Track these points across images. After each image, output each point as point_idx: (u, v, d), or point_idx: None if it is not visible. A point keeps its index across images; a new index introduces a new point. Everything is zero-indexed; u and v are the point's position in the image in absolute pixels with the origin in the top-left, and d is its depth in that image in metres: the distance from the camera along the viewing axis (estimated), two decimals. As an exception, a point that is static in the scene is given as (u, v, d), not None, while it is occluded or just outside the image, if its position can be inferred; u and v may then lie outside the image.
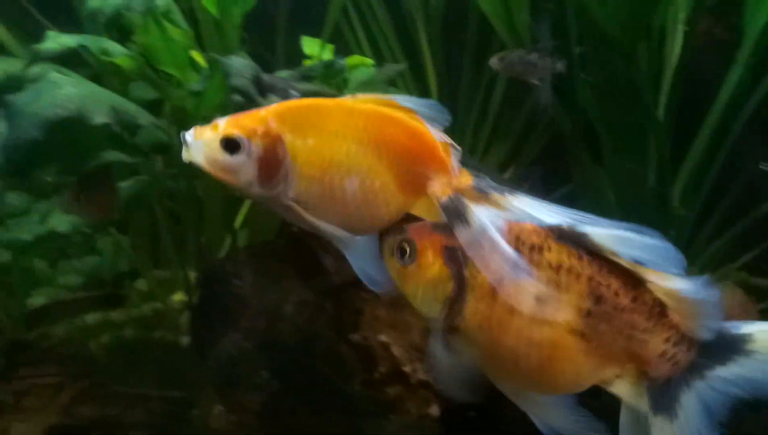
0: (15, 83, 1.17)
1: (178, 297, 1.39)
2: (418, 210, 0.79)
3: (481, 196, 0.74)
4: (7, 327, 1.33)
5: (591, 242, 0.70)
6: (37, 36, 1.30)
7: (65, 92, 1.13)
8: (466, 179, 0.76)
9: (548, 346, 0.71)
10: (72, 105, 1.11)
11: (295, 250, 1.12)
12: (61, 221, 1.26)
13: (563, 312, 0.70)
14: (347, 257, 0.78)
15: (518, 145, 1.98)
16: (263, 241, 1.31)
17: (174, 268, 1.41)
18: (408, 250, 0.75)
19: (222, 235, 1.43)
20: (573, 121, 1.71)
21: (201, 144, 0.74)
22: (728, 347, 0.70)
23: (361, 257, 0.77)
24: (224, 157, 0.73)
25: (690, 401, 0.70)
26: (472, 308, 0.73)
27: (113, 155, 1.19)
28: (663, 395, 0.71)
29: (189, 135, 0.74)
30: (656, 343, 0.71)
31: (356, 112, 0.77)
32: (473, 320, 0.73)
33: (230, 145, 0.73)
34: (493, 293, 0.72)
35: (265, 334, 1.13)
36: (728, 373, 0.70)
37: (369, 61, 1.48)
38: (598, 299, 0.70)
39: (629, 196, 1.68)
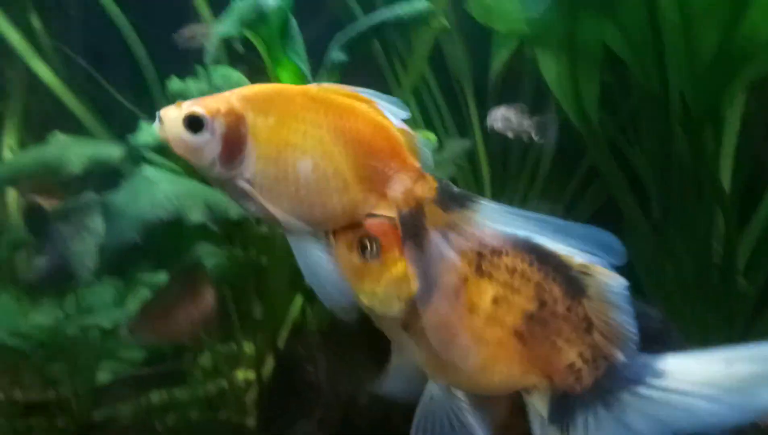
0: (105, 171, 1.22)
1: (243, 374, 1.39)
2: (381, 210, 0.77)
3: (442, 210, 0.73)
4: (74, 406, 1.33)
5: (543, 249, 0.72)
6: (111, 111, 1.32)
7: (163, 191, 1.14)
8: (429, 186, 0.74)
9: (495, 346, 0.73)
10: (170, 205, 1.12)
11: (369, 334, 1.10)
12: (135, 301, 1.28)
13: (512, 314, 0.72)
14: (295, 252, 0.76)
15: (568, 210, 1.98)
16: (335, 321, 1.30)
17: (238, 343, 1.41)
18: (370, 245, 0.74)
19: (288, 309, 1.43)
20: (628, 190, 1.70)
21: (167, 122, 0.73)
22: (641, 378, 0.70)
23: (308, 253, 0.75)
24: (188, 135, 0.73)
25: (584, 421, 0.71)
26: (434, 308, 0.73)
27: (205, 248, 1.20)
28: (560, 407, 0.73)
29: (161, 112, 0.73)
30: (569, 354, 0.72)
31: (319, 98, 0.76)
32: (433, 319, 0.73)
33: (193, 123, 0.73)
34: (457, 292, 0.72)
35: (340, 426, 1.11)
36: (634, 403, 0.69)
37: (432, 136, 1.48)
38: (541, 304, 0.73)
39: (690, 269, 1.65)
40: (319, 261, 0.76)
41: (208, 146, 0.74)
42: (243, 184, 0.75)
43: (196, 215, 1.17)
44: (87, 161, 1.23)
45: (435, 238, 0.72)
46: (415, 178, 0.75)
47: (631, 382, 0.70)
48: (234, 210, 1.22)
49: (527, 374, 0.74)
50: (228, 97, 0.76)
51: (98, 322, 1.31)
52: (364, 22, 1.35)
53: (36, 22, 1.71)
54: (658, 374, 0.69)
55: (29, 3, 1.71)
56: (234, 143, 0.74)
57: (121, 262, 1.18)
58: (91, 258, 1.17)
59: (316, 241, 0.77)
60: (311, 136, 0.75)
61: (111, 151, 1.26)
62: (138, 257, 1.19)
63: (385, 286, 0.74)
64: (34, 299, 1.21)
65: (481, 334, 0.73)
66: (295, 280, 1.43)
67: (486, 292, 0.73)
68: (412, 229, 0.73)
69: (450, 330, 0.73)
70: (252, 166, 0.74)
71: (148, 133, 1.24)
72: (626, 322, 0.70)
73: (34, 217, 1.42)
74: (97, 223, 1.20)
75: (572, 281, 0.72)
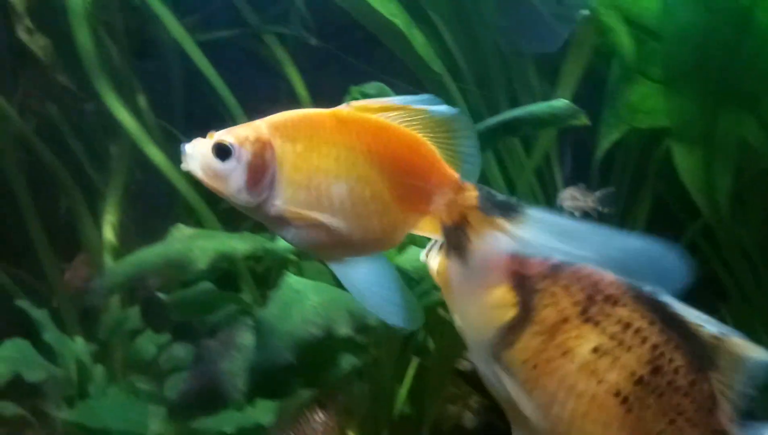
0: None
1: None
2: (423, 229, 0.75)
3: (486, 218, 0.70)
4: None
5: (670, 311, 0.65)
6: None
7: (312, 304, 1.10)
8: (471, 194, 0.72)
9: (588, 401, 0.66)
10: (320, 320, 1.08)
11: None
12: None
13: (616, 371, 0.65)
14: (338, 276, 0.75)
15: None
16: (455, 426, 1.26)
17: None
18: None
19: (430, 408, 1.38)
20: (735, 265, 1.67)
21: (196, 152, 0.74)
22: None
23: (353, 276, 0.74)
24: (216, 163, 0.73)
25: None
26: (526, 343, 0.68)
27: (348, 360, 1.15)
28: None
29: (187, 146, 0.74)
30: None
31: (350, 119, 0.75)
32: (521, 355, 0.68)
33: (221, 151, 0.74)
34: (552, 331, 0.67)
35: None
36: None
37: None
38: (656, 370, 0.65)
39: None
40: (367, 282, 0.75)
41: (234, 173, 0.74)
42: (274, 211, 0.74)
43: (343, 328, 1.13)
44: (213, 257, 1.16)
45: (481, 247, 0.68)
46: (456, 188, 0.73)
47: None
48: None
49: None
50: (258, 125, 0.76)
51: (221, 428, 1.24)
52: (497, 119, 1.31)
53: (142, 102, 1.64)
54: None
55: (137, 84, 1.65)
56: (259, 170, 0.73)
57: (270, 380, 1.14)
58: (242, 378, 1.14)
59: (357, 262, 0.75)
60: (344, 159, 0.73)
61: (235, 244, 1.20)
62: (287, 375, 1.14)
63: (480, 307, 0.70)
64: (183, 419, 1.15)
65: (573, 383, 0.66)
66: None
67: (587, 340, 0.66)
68: (456, 242, 0.70)
69: (536, 371, 0.67)
70: (282, 192, 0.74)
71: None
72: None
73: (151, 305, 1.36)
74: (247, 341, 1.16)
75: (699, 352, 0.65)
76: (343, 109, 0.75)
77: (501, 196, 0.71)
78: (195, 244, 1.15)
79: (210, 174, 0.74)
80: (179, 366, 1.32)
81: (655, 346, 0.65)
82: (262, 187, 0.74)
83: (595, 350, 0.66)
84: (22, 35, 1.52)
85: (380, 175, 0.73)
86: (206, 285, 1.27)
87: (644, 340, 0.65)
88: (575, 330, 0.66)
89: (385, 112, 0.74)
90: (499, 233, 0.68)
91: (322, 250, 0.77)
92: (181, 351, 1.38)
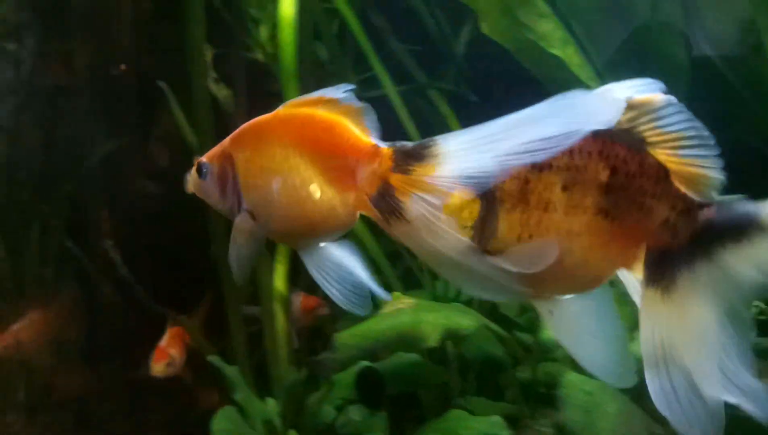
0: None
1: None
2: (360, 206, 0.78)
3: (405, 177, 0.71)
4: None
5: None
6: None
7: (613, 413, 1.03)
8: (385, 156, 0.74)
9: (585, 234, 0.67)
10: (625, 430, 1.03)
11: None
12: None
13: (588, 193, 0.67)
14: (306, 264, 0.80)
15: None
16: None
17: None
18: None
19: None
20: None
21: (190, 175, 0.87)
22: (738, 224, 0.62)
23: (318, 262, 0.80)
24: (198, 180, 0.86)
25: (684, 279, 0.63)
26: (508, 221, 0.68)
27: None
28: (657, 268, 0.65)
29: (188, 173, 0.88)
30: (661, 211, 0.66)
31: (285, 117, 0.82)
32: (511, 234, 0.68)
33: (200, 169, 0.86)
34: (523, 197, 0.68)
35: None
36: (738, 253, 0.61)
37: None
38: (612, 171, 0.67)
39: None
40: (329, 270, 0.80)
41: (210, 188, 0.85)
42: (245, 215, 0.83)
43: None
44: (442, 333, 1.12)
45: (412, 205, 0.69)
46: (372, 156, 0.75)
47: (732, 229, 0.61)
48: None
49: (625, 251, 0.67)
50: (224, 141, 0.86)
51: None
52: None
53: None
54: (758, 214, 0.60)
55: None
56: (224, 181, 0.84)
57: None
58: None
59: (322, 250, 0.81)
60: (279, 155, 0.81)
61: (463, 320, 1.16)
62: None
63: (445, 231, 0.68)
64: None
65: (568, 227, 0.67)
66: None
67: (553, 183, 0.67)
68: (388, 207, 0.71)
69: (531, 236, 0.67)
70: (245, 197, 0.83)
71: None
72: (701, 139, 0.62)
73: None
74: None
75: (629, 133, 0.65)
76: (281, 109, 0.83)
77: (411, 144, 0.72)
78: (423, 319, 1.12)
79: (198, 190, 0.87)
80: (359, 430, 1.28)
81: (600, 152, 0.66)
82: (227, 195, 0.84)
83: (564, 188, 0.67)
84: (210, 85, 1.57)
85: (309, 162, 0.79)
86: (414, 357, 1.23)
87: (590, 153, 0.66)
88: (539, 182, 0.67)
89: (315, 106, 0.81)
90: (423, 185, 0.69)
91: (288, 240, 0.88)
92: (357, 414, 1.34)
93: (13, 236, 1.77)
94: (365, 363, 1.19)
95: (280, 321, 1.58)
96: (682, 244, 0.64)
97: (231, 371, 1.25)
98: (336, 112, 0.79)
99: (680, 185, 0.65)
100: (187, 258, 2.07)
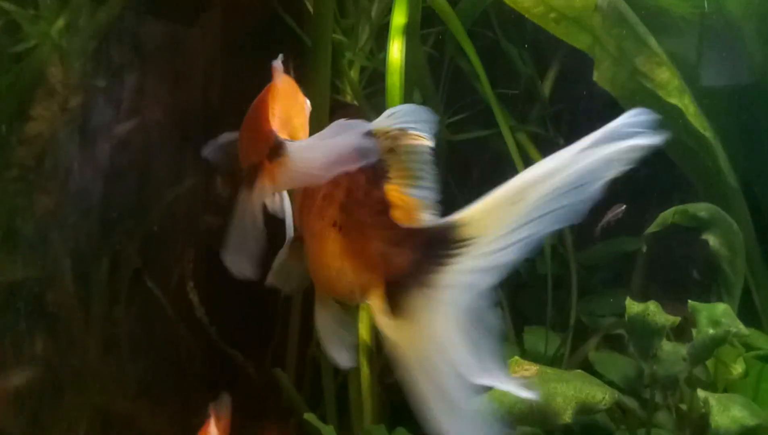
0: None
1: None
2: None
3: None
4: None
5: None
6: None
7: None
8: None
9: (324, 238, 0.75)
10: None
11: None
12: None
13: (332, 207, 0.74)
14: None
15: None
16: None
17: None
18: None
19: None
20: None
21: None
22: (448, 240, 0.65)
23: None
24: None
25: (415, 307, 0.65)
26: (297, 198, 0.82)
27: None
28: (391, 300, 0.68)
29: None
30: (377, 241, 0.71)
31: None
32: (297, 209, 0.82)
33: None
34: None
35: None
36: (457, 267, 0.64)
37: None
38: (348, 193, 0.74)
39: None
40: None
41: None
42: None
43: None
44: (575, 408, 1.06)
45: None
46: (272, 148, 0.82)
47: (443, 251, 0.65)
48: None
49: (359, 272, 0.73)
50: None
51: None
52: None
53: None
54: (460, 224, 0.64)
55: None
56: None
57: None
58: None
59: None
60: None
61: (596, 393, 1.09)
62: None
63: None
64: None
65: (314, 226, 0.76)
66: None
67: (320, 190, 0.76)
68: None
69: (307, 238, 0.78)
70: None
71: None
72: (426, 183, 0.69)
73: None
74: None
75: (378, 166, 0.71)
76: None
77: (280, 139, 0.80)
78: (556, 392, 1.06)
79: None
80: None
81: (350, 175, 0.72)
82: None
83: (324, 197, 0.76)
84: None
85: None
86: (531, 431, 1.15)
87: (347, 173, 0.73)
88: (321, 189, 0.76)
89: None
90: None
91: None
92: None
93: (84, 274, 1.75)
94: None
95: (365, 373, 1.53)
96: (405, 273, 0.67)
97: (328, 431, 1.19)
98: None
99: (401, 218, 0.71)
100: (253, 297, 2.04)
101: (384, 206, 0.70)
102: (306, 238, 0.78)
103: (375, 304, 0.69)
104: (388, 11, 1.65)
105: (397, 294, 0.68)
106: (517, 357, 1.11)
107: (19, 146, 1.61)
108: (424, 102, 1.54)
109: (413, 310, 0.66)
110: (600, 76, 1.22)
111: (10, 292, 1.63)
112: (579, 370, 1.13)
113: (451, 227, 0.65)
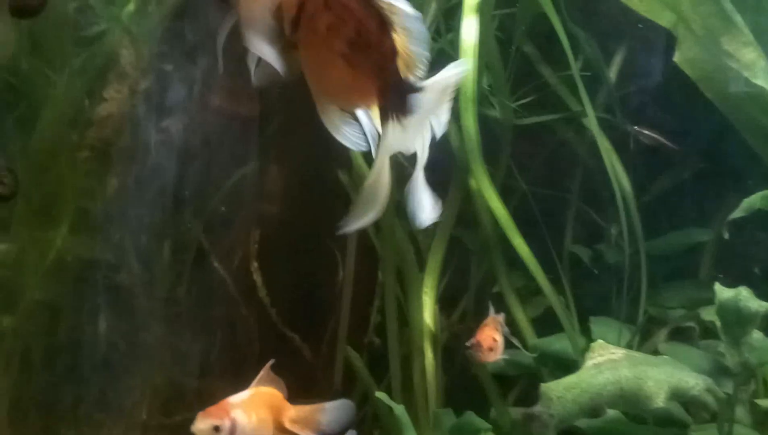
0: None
1: None
2: None
3: None
4: None
5: None
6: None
7: None
8: None
9: (327, 65, 0.86)
10: None
11: None
12: None
13: (337, 39, 0.84)
14: None
15: None
16: None
17: None
18: None
19: None
20: None
21: None
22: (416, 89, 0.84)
23: None
24: None
25: (393, 125, 0.85)
26: (305, 24, 0.86)
27: None
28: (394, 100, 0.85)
29: None
30: (381, 83, 0.85)
31: None
32: (300, 35, 0.86)
33: None
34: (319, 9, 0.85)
35: None
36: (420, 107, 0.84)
37: None
38: (358, 33, 0.84)
39: None
40: None
41: None
42: None
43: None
44: (668, 392, 1.03)
45: None
46: None
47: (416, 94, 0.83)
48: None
49: (362, 96, 0.87)
50: None
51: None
52: None
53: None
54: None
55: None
56: None
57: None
58: None
59: None
60: None
61: (689, 379, 1.06)
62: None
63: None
64: None
65: (317, 53, 0.86)
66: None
67: (324, 20, 0.85)
68: None
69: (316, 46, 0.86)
70: None
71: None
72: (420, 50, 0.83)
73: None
74: None
75: (382, 16, 0.82)
76: None
77: None
78: (647, 375, 1.03)
79: None
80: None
81: (359, 19, 0.83)
82: None
83: (329, 28, 0.84)
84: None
85: None
86: (616, 414, 1.15)
87: (353, 14, 0.83)
88: (320, 15, 0.85)
89: None
90: None
91: None
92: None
93: (152, 253, 1.79)
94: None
95: (429, 358, 1.53)
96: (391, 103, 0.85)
97: (399, 410, 1.19)
98: None
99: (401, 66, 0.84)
100: (310, 282, 2.06)
101: (393, 52, 0.83)
102: (305, 54, 0.88)
103: (372, 118, 0.90)
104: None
105: (384, 115, 0.88)
106: (600, 340, 1.08)
107: (90, 127, 1.65)
108: (493, 85, 1.51)
109: (391, 126, 0.86)
110: (681, 56, 1.17)
111: (81, 270, 1.68)
112: (665, 356, 1.09)
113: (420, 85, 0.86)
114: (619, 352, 1.06)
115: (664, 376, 1.02)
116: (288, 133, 1.98)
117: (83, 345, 1.71)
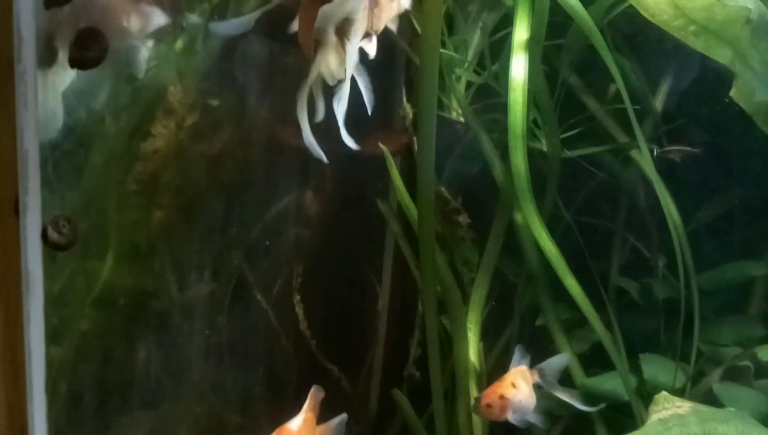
0: None
1: None
2: None
3: None
4: None
5: None
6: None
7: None
8: None
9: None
10: None
11: None
12: None
13: None
14: None
15: None
16: None
17: None
18: None
19: None
20: None
21: None
22: None
23: None
24: None
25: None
26: None
27: None
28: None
29: None
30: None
31: None
32: None
33: None
34: None
35: None
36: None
37: None
38: None
39: None
40: None
41: None
42: None
43: None
44: None
45: None
46: None
47: None
48: None
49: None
50: None
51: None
52: None
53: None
54: None
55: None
56: None
57: None
58: None
59: None
60: None
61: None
62: None
63: None
64: None
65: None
66: None
67: None
68: None
69: None
70: None
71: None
72: None
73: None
74: None
75: None
76: None
77: None
78: (717, 432, 1.01)
79: None
80: None
81: None
82: None
83: None
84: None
85: None
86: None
87: None
88: None
89: None
90: None
91: None
92: None
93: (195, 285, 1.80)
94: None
95: (474, 395, 1.50)
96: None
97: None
98: None
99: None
100: (350, 314, 2.05)
101: None
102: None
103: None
104: (500, 24, 1.63)
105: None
106: (665, 392, 1.05)
107: (137, 162, 1.68)
108: (540, 118, 1.50)
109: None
110: (738, 90, 1.15)
111: (125, 300, 1.70)
112: (731, 409, 1.05)
113: None
114: (685, 406, 1.02)
115: (734, 432, 0.99)
116: (327, 163, 2.00)
117: (125, 376, 1.72)
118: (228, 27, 1.28)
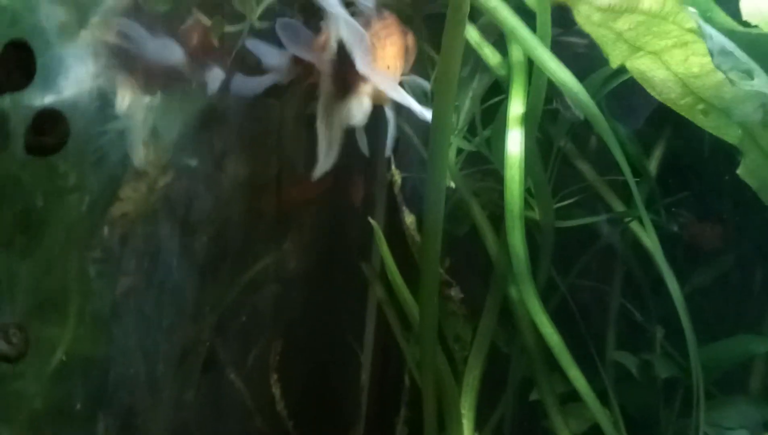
0: None
1: None
2: None
3: None
4: None
5: None
6: None
7: None
8: None
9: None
10: None
11: None
12: None
13: None
14: None
15: None
16: None
17: None
18: None
19: None
20: None
21: None
22: None
23: None
24: None
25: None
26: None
27: None
28: None
29: None
30: None
31: None
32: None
33: None
34: None
35: None
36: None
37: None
38: None
39: None
40: None
41: None
42: None
43: None
44: None
45: None
46: None
47: None
48: None
49: None
50: None
51: None
52: None
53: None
54: None
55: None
56: None
57: None
58: None
59: None
60: None
61: None
62: None
63: None
64: None
65: None
66: None
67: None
68: None
69: None
70: None
71: None
72: None
73: None
74: None
75: None
76: None
77: None
78: None
79: None
80: None
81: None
82: None
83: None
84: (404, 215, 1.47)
85: None
86: None
87: None
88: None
89: None
90: None
91: None
92: None
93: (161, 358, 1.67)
94: None
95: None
96: None
97: None
98: None
99: None
100: (328, 391, 1.92)
101: None
102: None
103: None
104: (491, 90, 1.57)
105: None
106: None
107: (103, 227, 1.57)
108: (534, 188, 1.43)
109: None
110: (745, 168, 1.10)
111: (85, 369, 1.56)
112: None
113: None
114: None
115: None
116: (308, 228, 1.90)
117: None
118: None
